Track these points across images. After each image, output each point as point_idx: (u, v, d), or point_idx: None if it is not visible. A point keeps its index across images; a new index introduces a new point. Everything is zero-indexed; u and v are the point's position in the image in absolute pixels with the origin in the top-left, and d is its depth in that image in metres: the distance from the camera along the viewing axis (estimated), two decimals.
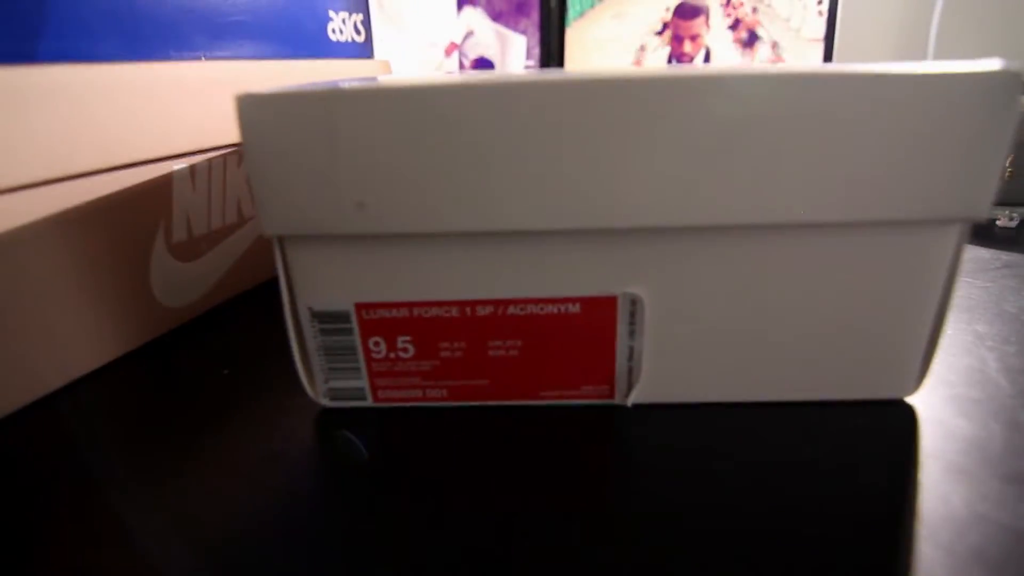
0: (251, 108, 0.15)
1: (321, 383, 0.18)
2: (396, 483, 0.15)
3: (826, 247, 0.16)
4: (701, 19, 0.66)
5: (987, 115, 0.14)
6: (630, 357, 0.18)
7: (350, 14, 0.37)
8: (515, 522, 0.14)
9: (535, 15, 0.79)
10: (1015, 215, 0.35)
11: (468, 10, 0.76)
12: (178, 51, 0.25)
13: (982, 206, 0.15)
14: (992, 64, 0.14)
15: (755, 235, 0.16)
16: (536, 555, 0.13)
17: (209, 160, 0.26)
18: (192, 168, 0.25)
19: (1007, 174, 0.36)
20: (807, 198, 0.15)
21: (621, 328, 0.17)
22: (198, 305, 0.26)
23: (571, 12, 0.75)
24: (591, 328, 0.17)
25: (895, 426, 0.17)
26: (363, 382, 0.18)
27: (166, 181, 0.24)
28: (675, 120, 0.14)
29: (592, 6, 0.73)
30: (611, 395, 0.18)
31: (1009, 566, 0.12)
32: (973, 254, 0.31)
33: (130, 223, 0.23)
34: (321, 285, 0.17)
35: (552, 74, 0.15)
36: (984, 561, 0.12)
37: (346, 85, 0.15)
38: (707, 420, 0.17)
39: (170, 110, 0.24)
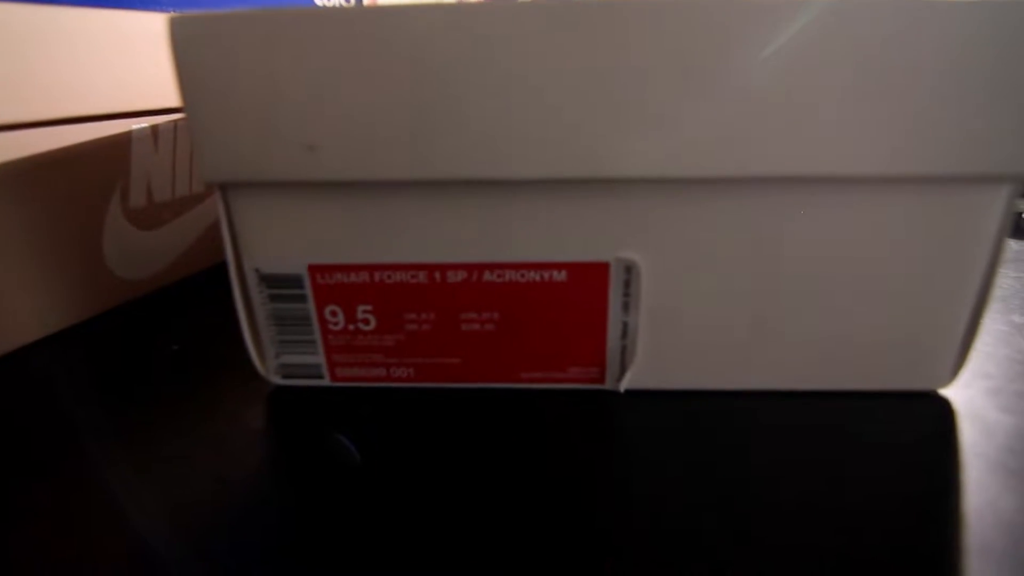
0: (185, 31, 0.13)
1: (272, 358, 0.16)
2: (350, 474, 0.13)
3: (853, 208, 0.14)
4: None
5: None
6: (624, 334, 0.15)
7: None
8: (481, 527, 0.12)
9: None
10: None
11: None
12: (143, 5, 0.23)
13: None
14: None
15: (771, 191, 0.14)
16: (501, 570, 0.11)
17: (175, 121, 0.24)
18: (155, 128, 0.23)
19: None
20: (833, 145, 0.13)
21: (613, 300, 0.15)
22: (159, 278, 0.24)
23: None
24: (579, 299, 0.15)
25: (929, 421, 0.15)
26: (319, 358, 0.16)
27: (123, 140, 0.22)
28: (682, 46, 0.12)
29: None
30: (601, 379, 0.16)
31: None
32: None
33: (80, 183, 0.21)
34: (270, 243, 0.15)
35: None
36: None
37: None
38: (711, 412, 0.16)
39: (133, 63, 0.22)
